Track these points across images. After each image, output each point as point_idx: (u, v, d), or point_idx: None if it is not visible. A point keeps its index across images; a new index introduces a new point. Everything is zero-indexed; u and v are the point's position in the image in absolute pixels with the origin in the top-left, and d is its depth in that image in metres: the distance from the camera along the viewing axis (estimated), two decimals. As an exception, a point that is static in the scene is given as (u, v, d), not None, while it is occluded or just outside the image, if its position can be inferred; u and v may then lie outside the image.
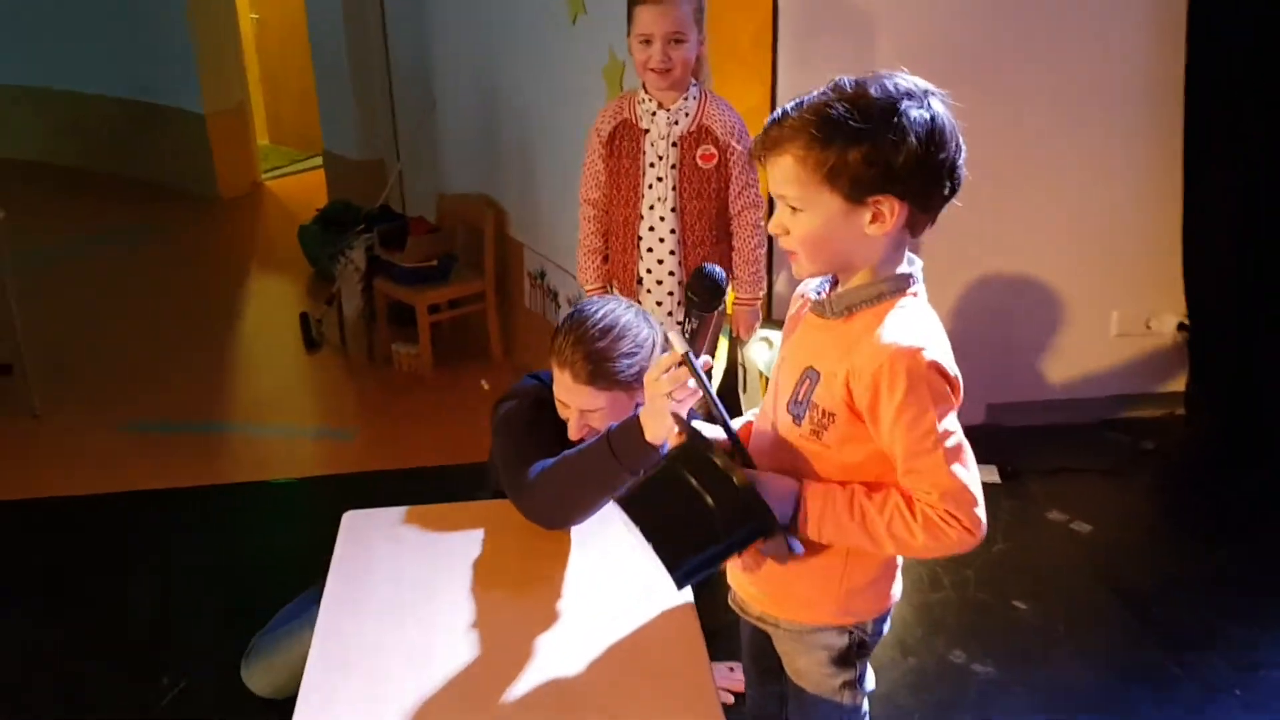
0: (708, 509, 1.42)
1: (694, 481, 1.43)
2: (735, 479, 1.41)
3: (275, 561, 3.17)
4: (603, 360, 1.97)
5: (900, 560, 1.68)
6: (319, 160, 6.88)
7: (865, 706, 1.79)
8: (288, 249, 5.96)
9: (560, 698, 1.59)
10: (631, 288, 2.89)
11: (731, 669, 2.61)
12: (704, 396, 1.62)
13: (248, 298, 5.79)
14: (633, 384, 1.99)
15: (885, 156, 1.38)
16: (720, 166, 2.77)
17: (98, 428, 4.20)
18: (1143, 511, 3.55)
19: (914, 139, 1.38)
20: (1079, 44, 3.52)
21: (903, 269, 1.50)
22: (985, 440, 3.71)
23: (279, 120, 8.40)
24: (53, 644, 2.94)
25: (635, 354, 2.02)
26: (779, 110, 1.45)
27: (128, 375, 4.69)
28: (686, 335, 1.63)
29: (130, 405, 4.38)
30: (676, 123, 2.77)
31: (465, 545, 1.93)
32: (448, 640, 1.69)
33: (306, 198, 6.65)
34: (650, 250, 2.84)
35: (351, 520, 2.01)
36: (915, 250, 1.53)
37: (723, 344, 3.10)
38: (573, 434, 2.04)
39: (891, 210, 1.41)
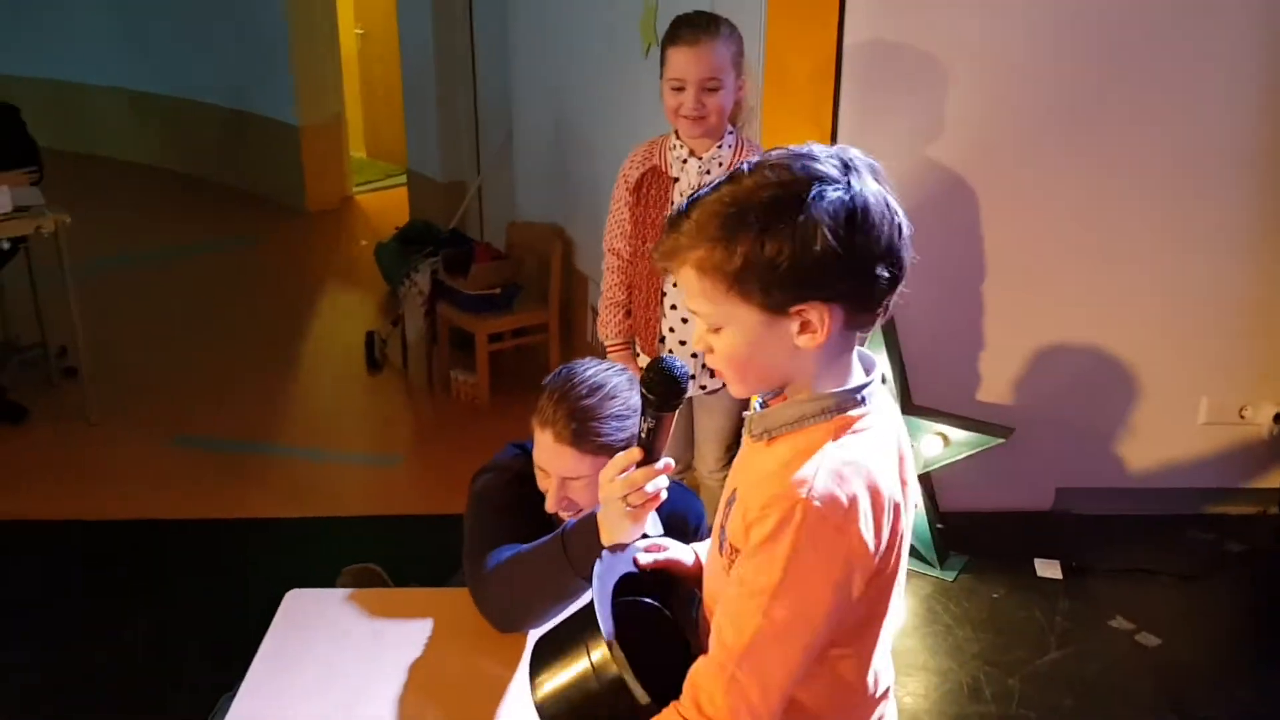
0: (596, 693, 1.29)
1: (590, 661, 1.30)
2: (611, 665, 1.27)
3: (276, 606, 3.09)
4: (588, 419, 1.78)
5: (879, 690, 1.43)
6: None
7: None
8: (368, 265, 5.95)
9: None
10: (653, 346, 2.72)
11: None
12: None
13: (320, 313, 5.78)
14: (610, 450, 1.81)
15: (795, 257, 1.15)
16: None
17: (147, 440, 4.20)
18: (1221, 626, 3.19)
19: (827, 231, 1.14)
20: (1176, 108, 3.22)
21: (847, 383, 1.27)
22: (1050, 528, 3.51)
23: (376, 134, 8.45)
24: (32, 684, 2.89)
25: (625, 418, 1.82)
26: (675, 209, 1.24)
27: (188, 388, 4.70)
28: (643, 434, 1.45)
29: (185, 419, 4.38)
30: (709, 172, 2.58)
31: (409, 640, 1.77)
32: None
33: (393, 214, 6.65)
34: (674, 308, 2.67)
35: (292, 600, 1.87)
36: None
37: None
38: (550, 506, 1.86)
39: (821, 318, 1.19)
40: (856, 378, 1.28)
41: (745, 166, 1.20)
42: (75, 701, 2.80)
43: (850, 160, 1.20)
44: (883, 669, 1.39)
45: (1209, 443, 3.56)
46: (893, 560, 1.28)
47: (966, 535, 3.38)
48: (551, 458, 1.82)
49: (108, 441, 4.21)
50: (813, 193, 1.15)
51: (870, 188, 1.18)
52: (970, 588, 3.22)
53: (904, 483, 1.32)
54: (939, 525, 3.31)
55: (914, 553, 3.22)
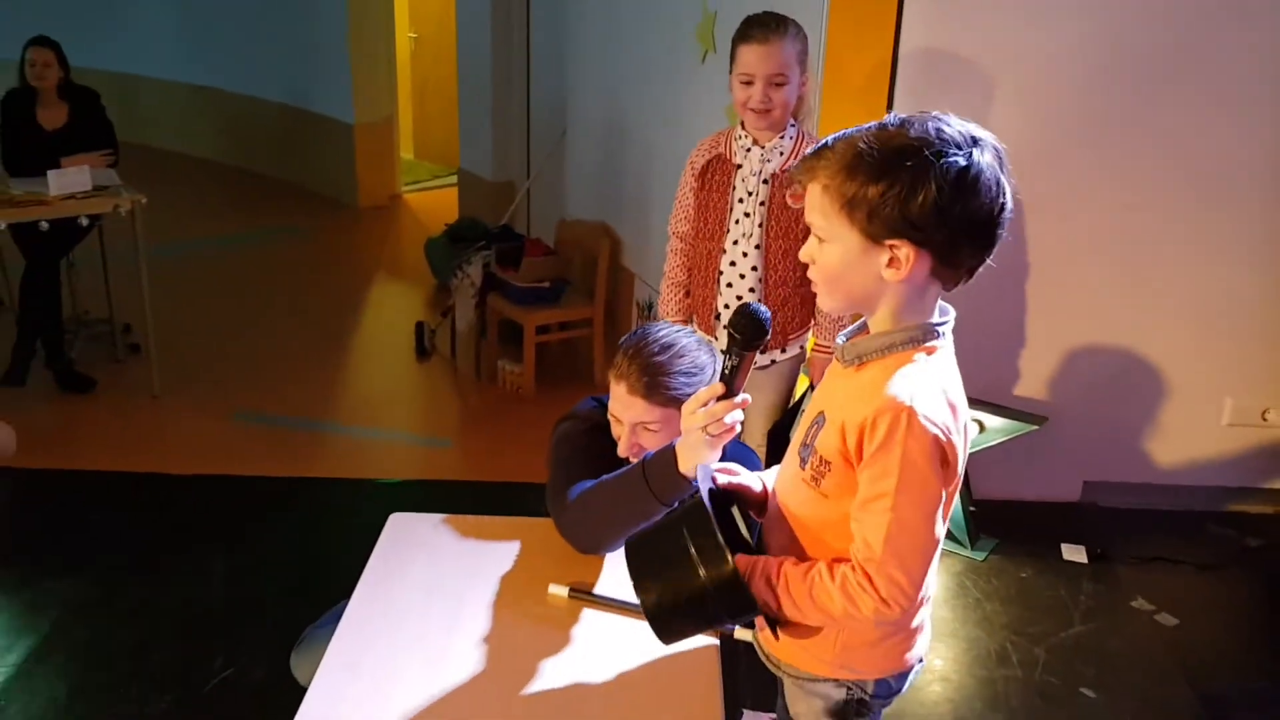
0: (699, 580, 1.44)
1: (693, 549, 1.45)
2: (728, 561, 1.42)
3: (349, 557, 3.26)
4: (659, 374, 1.97)
5: (922, 622, 1.62)
6: (456, 178, 7.09)
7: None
8: (415, 260, 6.15)
9: (564, 715, 1.59)
10: (709, 323, 2.89)
11: (773, 718, 2.56)
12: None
13: (370, 304, 5.98)
14: (679, 402, 2.00)
15: (902, 199, 1.33)
16: (810, 208, 2.75)
17: (210, 415, 4.41)
18: (1238, 612, 3.35)
19: (935, 186, 1.32)
20: (1211, 120, 3.39)
21: (928, 320, 1.45)
22: (1077, 518, 3.66)
23: (425, 136, 8.68)
24: (121, 613, 3.09)
25: (693, 375, 2.01)
26: (824, 139, 1.43)
27: (246, 368, 4.91)
28: (726, 371, 1.63)
29: (244, 396, 4.58)
30: (770, 160, 2.77)
31: (500, 559, 1.96)
32: (465, 649, 1.71)
33: (441, 213, 6.87)
34: (730, 285, 2.84)
35: (396, 522, 2.06)
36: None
37: (803, 381, 3.06)
38: (622, 451, 2.04)
39: (908, 257, 1.37)
40: (936, 317, 1.46)
41: (892, 119, 1.38)
42: (159, 634, 2.99)
43: (980, 138, 1.37)
44: (930, 578, 1.57)
45: (1232, 443, 3.71)
46: (957, 479, 1.46)
47: (997, 520, 3.54)
48: (624, 407, 2.01)
49: (172, 413, 4.42)
50: (933, 151, 1.33)
51: (987, 165, 1.36)
52: (999, 567, 3.39)
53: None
54: (972, 508, 3.47)
55: (946, 533, 3.37)
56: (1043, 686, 2.87)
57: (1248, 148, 3.43)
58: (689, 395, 1.98)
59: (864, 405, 1.40)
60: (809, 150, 1.44)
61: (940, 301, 1.47)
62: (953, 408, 1.42)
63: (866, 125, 1.39)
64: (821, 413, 1.49)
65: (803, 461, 1.50)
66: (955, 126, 1.36)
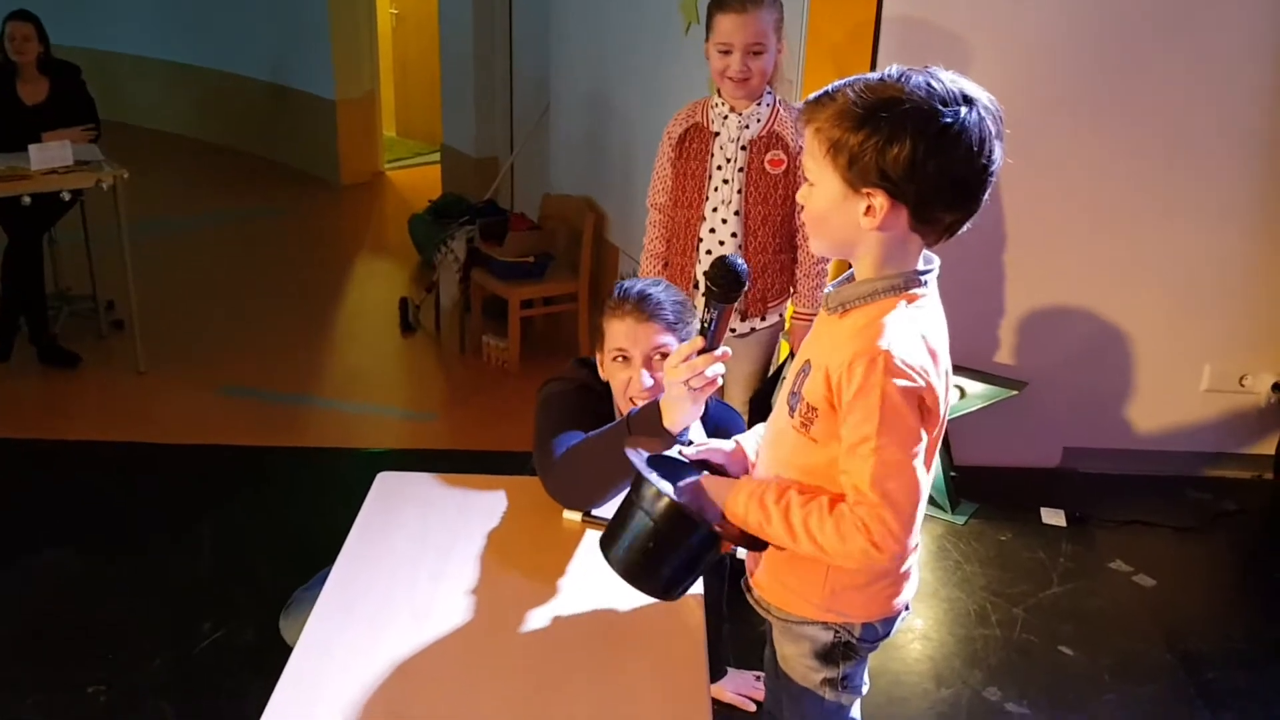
0: (653, 529, 1.50)
1: (642, 508, 1.51)
2: (662, 496, 1.48)
3: (336, 523, 3.28)
4: (654, 301, 2.06)
5: (909, 569, 1.65)
6: (439, 154, 7.07)
7: (854, 710, 1.78)
8: (399, 237, 6.15)
9: (549, 665, 1.62)
10: (688, 292, 2.91)
11: (758, 678, 2.60)
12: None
13: (353, 280, 5.98)
14: (678, 330, 2.06)
15: (878, 149, 1.36)
16: (788, 174, 2.78)
17: (195, 389, 4.41)
18: (1213, 574, 3.40)
19: (910, 140, 1.34)
20: (1191, 87, 3.42)
21: (911, 268, 1.47)
22: (1056, 483, 3.71)
23: (408, 113, 8.65)
24: (108, 579, 3.11)
25: (683, 304, 2.11)
26: (825, 87, 1.45)
27: (230, 343, 4.91)
28: (704, 324, 1.65)
29: (228, 371, 4.59)
30: (748, 127, 2.79)
31: (487, 516, 1.98)
32: (453, 602, 1.74)
33: (424, 189, 6.86)
34: (709, 253, 2.86)
35: (383, 481, 2.08)
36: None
37: (783, 349, 3.09)
38: (633, 391, 2.07)
39: (881, 207, 1.40)
40: (921, 265, 1.49)
41: (892, 71, 1.40)
42: (147, 601, 3.01)
43: (973, 97, 1.39)
44: (918, 524, 1.60)
45: (1210, 409, 3.76)
46: (940, 425, 1.49)
47: (978, 485, 3.59)
48: (633, 340, 2.06)
49: (158, 388, 4.42)
50: (917, 105, 1.35)
51: (973, 124, 1.37)
52: (979, 531, 3.43)
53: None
54: (953, 474, 3.51)
55: (928, 499, 3.41)
56: (1021, 645, 2.92)
57: (1228, 115, 3.46)
58: (682, 328, 2.05)
59: (845, 350, 1.43)
60: (811, 97, 1.46)
61: (925, 251, 1.50)
62: (933, 354, 1.45)
63: (869, 75, 1.42)
64: (808, 361, 1.52)
65: (791, 410, 1.53)
66: (947, 83, 1.38)
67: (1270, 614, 3.15)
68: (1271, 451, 3.77)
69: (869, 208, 1.41)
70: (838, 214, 1.44)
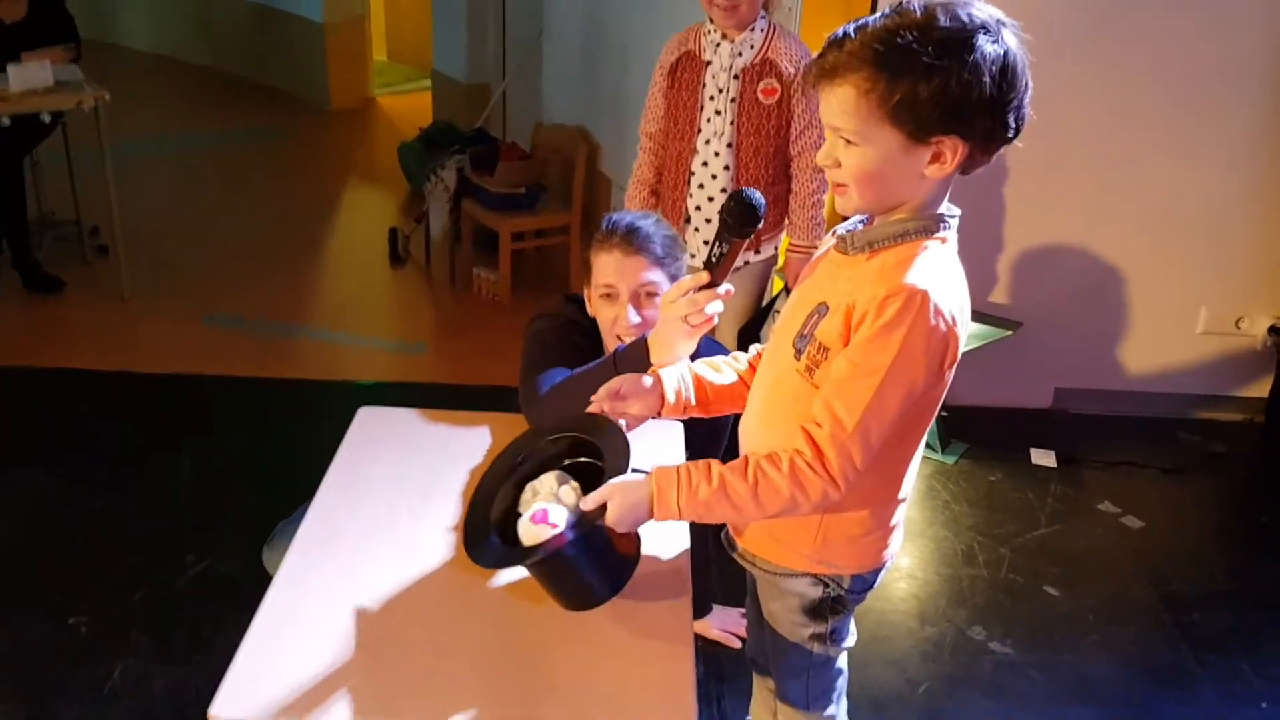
0: (547, 577, 1.53)
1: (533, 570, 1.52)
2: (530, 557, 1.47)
3: (320, 455, 3.26)
4: (643, 234, 2.01)
5: (899, 522, 1.62)
6: (430, 80, 6.95)
7: (841, 661, 1.76)
8: (388, 164, 6.06)
9: (531, 602, 1.59)
10: (679, 226, 2.86)
11: (744, 615, 2.60)
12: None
13: (342, 208, 5.91)
14: (666, 265, 2.02)
15: (956, 95, 1.27)
16: (782, 103, 2.71)
17: (180, 317, 4.36)
18: (1200, 516, 3.39)
19: (989, 78, 1.27)
20: (1191, 25, 3.34)
21: (938, 210, 1.41)
22: (1047, 424, 3.69)
23: (399, 38, 8.50)
24: (90, 509, 3.08)
25: (673, 239, 2.06)
26: (839, 31, 1.34)
27: (216, 271, 4.85)
28: (714, 259, 1.58)
29: (214, 299, 4.53)
30: (740, 54, 2.71)
31: (469, 453, 1.95)
32: (434, 537, 1.71)
33: (415, 116, 6.74)
34: (701, 186, 2.80)
35: (365, 416, 2.05)
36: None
37: (776, 284, 3.05)
38: (620, 329, 2.03)
39: (954, 151, 1.33)
40: (948, 207, 1.43)
41: (915, 5, 1.31)
42: (130, 531, 2.99)
43: (1001, 19, 1.32)
44: (909, 476, 1.57)
45: (1205, 351, 3.74)
46: (948, 381, 1.44)
47: (969, 425, 3.57)
48: (620, 274, 2.01)
49: (142, 316, 4.37)
50: (979, 39, 1.28)
51: (1017, 47, 1.31)
52: (969, 471, 3.42)
53: None
54: (944, 413, 3.48)
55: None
56: (1007, 584, 2.92)
57: (1226, 53, 3.39)
58: (671, 263, 2.00)
59: (875, 287, 1.36)
60: (826, 44, 1.35)
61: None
62: (961, 305, 1.40)
63: (886, 14, 1.32)
64: (823, 303, 1.44)
65: (798, 352, 1.46)
66: (974, 10, 1.31)
67: (1255, 557, 3.16)
68: (1265, 394, 3.75)
69: (937, 155, 1.33)
70: (896, 170, 1.35)
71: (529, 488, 1.58)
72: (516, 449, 1.64)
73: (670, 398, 1.61)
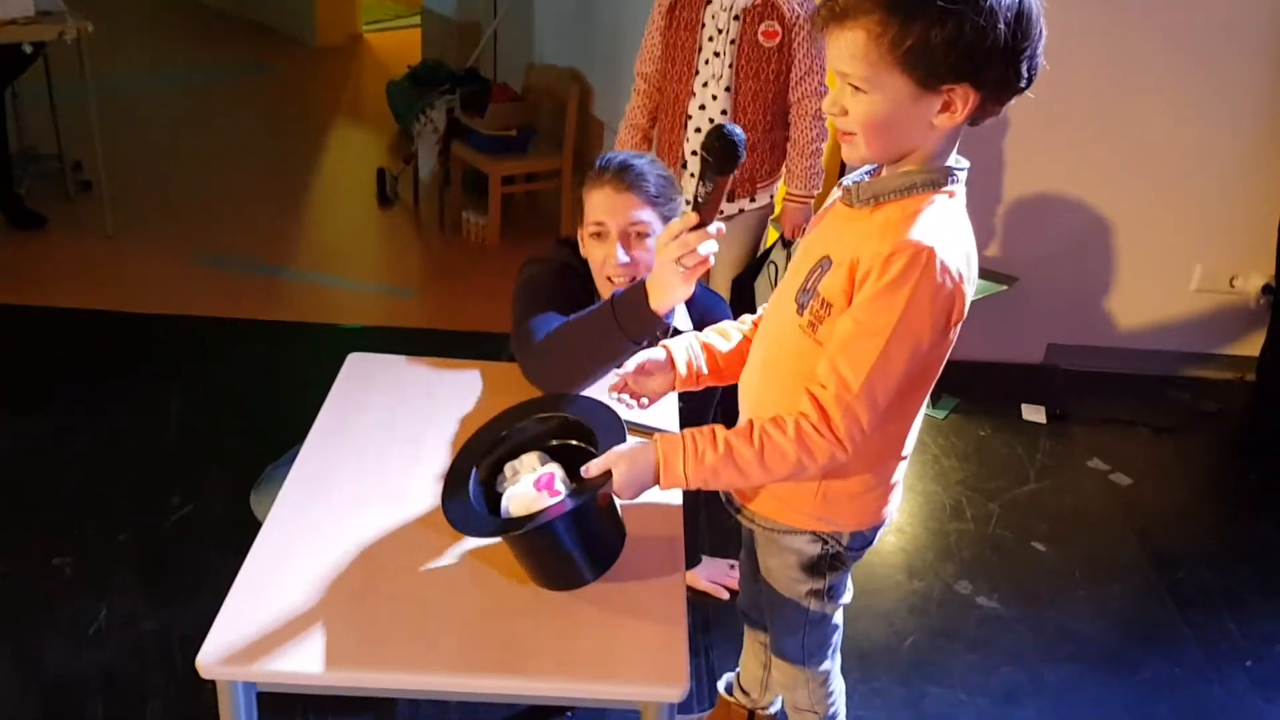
0: (531, 556, 1.50)
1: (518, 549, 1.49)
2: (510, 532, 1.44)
3: (308, 399, 3.23)
4: (637, 171, 1.98)
5: (898, 480, 1.60)
6: (420, 17, 6.83)
7: (837, 618, 1.76)
8: (376, 103, 5.96)
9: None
10: (676, 170, 2.81)
11: (732, 566, 2.60)
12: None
13: (329, 147, 5.82)
14: (659, 205, 1.99)
15: (970, 42, 1.24)
16: (783, 47, 2.65)
17: (166, 255, 4.29)
18: (1189, 473, 3.40)
19: (1003, 25, 1.24)
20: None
21: (951, 162, 1.38)
22: (1039, 379, 3.68)
23: (388, -27, 8.34)
24: (75, 450, 3.04)
25: (667, 178, 2.02)
26: None
27: (202, 208, 4.77)
28: (698, 198, 1.54)
29: (199, 237, 4.46)
30: None
31: (461, 400, 1.92)
32: (424, 485, 1.69)
33: (404, 54, 6.62)
34: (698, 130, 2.75)
35: (354, 362, 2.02)
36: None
37: (772, 234, 3.02)
38: (609, 269, 2.00)
39: (965, 100, 1.29)
40: (956, 160, 1.39)
41: None
42: (115, 472, 2.95)
43: None
44: (911, 434, 1.55)
45: (1198, 308, 3.73)
46: (953, 341, 1.42)
47: (959, 380, 3.53)
48: (611, 211, 1.98)
49: (127, 253, 4.30)
50: None
51: None
52: (959, 425, 3.42)
53: None
54: (934, 367, 3.47)
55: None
56: (995, 540, 2.92)
57: (1234, 8, 3.34)
58: (665, 204, 1.96)
59: (881, 242, 1.33)
60: None
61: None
62: (968, 260, 1.37)
63: None
64: (826, 257, 1.41)
65: (801, 307, 1.43)
66: None
67: (1242, 515, 3.17)
68: (1256, 353, 3.75)
69: (948, 104, 1.30)
70: (905, 118, 1.31)
71: (508, 466, 1.56)
72: (502, 423, 1.61)
73: (681, 370, 1.61)
